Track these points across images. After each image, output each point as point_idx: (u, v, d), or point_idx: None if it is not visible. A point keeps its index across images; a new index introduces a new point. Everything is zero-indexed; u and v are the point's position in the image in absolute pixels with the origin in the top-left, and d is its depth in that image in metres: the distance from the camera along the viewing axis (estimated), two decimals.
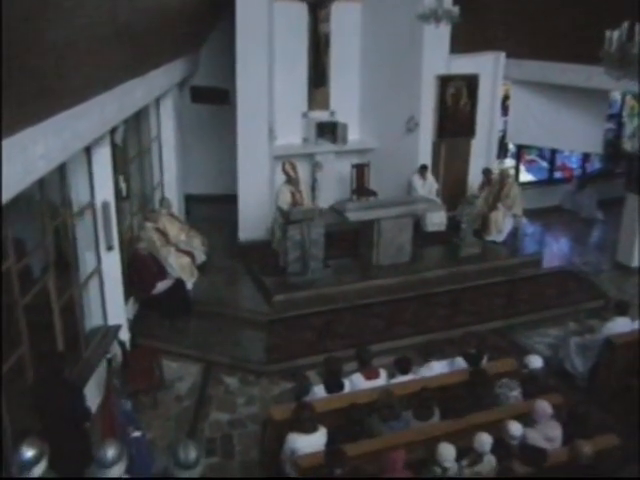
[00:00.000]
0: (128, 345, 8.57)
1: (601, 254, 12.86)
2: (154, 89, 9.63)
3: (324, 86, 12.67)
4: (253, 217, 11.71)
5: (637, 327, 8.49)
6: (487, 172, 12.60)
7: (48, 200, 6.95)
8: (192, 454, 4.87)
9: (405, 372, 7.25)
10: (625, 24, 6.91)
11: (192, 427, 7.83)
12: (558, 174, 15.83)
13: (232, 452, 7.47)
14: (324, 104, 12.75)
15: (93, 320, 8.37)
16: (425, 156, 12.37)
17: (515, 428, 6.07)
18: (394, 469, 5.63)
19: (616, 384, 8.17)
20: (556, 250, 13.10)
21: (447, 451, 5.78)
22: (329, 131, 12.66)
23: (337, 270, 10.78)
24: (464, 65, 12.24)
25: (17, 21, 4.04)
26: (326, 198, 12.16)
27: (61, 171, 7.18)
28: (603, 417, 7.62)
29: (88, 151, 7.71)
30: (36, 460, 4.67)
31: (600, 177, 15.55)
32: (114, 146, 8.42)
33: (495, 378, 7.10)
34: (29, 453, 4.67)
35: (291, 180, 10.85)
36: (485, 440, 5.86)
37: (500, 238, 12.15)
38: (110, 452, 4.83)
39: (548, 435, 6.25)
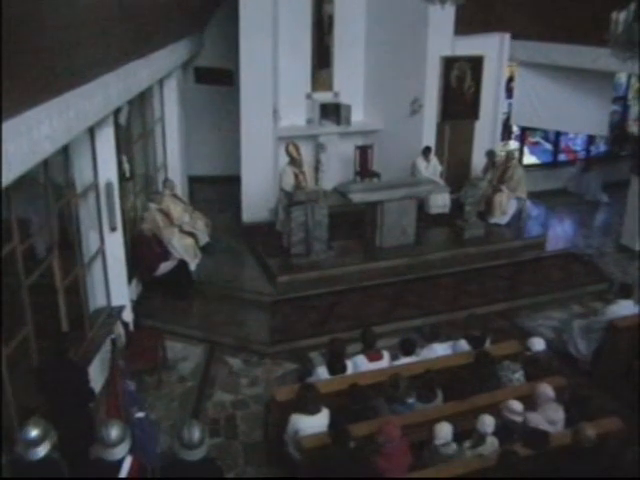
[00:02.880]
0: (131, 326, 8.61)
1: (605, 237, 12.86)
2: (158, 70, 9.58)
3: (328, 67, 12.58)
4: (257, 198, 11.69)
5: None
6: (491, 154, 12.54)
7: (52, 181, 6.93)
8: (197, 434, 4.90)
9: (409, 354, 7.28)
10: (632, 5, 6.84)
11: (196, 408, 7.88)
12: (562, 156, 15.78)
13: (235, 433, 7.51)
14: (328, 85, 12.67)
15: (97, 301, 8.39)
16: (429, 138, 12.30)
17: (515, 404, 6.10)
18: (392, 438, 5.69)
19: (619, 367, 8.18)
20: (560, 233, 13.09)
21: (441, 428, 5.84)
22: (333, 112, 12.58)
23: (341, 252, 10.78)
24: (469, 46, 12.12)
25: (22, 2, 4.01)
26: (329, 179, 12.13)
27: (65, 152, 7.16)
28: (606, 400, 7.66)
29: (92, 132, 7.68)
30: (41, 440, 4.70)
31: (605, 160, 15.49)
32: (118, 127, 8.40)
33: (498, 360, 7.12)
34: (34, 433, 4.70)
35: (295, 161, 10.82)
36: (488, 422, 5.90)
37: (504, 220, 12.12)
38: (114, 432, 4.86)
39: (550, 418, 6.28)
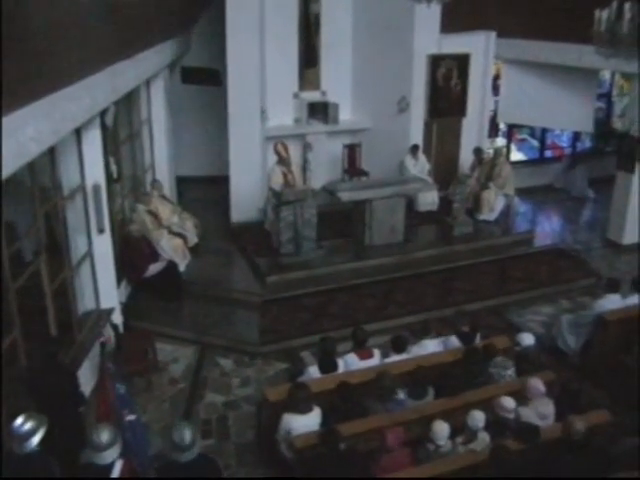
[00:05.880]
0: (121, 328, 8.57)
1: (592, 232, 12.94)
2: (145, 70, 9.55)
3: (315, 66, 12.57)
4: (245, 198, 11.69)
5: (627, 304, 8.55)
6: (478, 151, 12.59)
7: (38, 183, 6.89)
8: (187, 435, 4.88)
9: (400, 351, 7.29)
10: (614, 3, 6.90)
11: (187, 409, 7.85)
12: (549, 153, 15.88)
13: (227, 434, 7.49)
14: (315, 84, 12.66)
15: (86, 304, 8.34)
16: (417, 136, 12.34)
17: (508, 401, 6.13)
18: (391, 448, 5.68)
19: (608, 360, 8.24)
20: (548, 228, 13.17)
21: (441, 428, 5.84)
22: (320, 111, 12.58)
23: (330, 251, 10.79)
24: (455, 44, 12.16)
25: (6, 2, 3.99)
26: (318, 179, 12.12)
27: (51, 154, 7.12)
28: (595, 393, 7.71)
29: (78, 133, 7.64)
30: (33, 432, 4.69)
31: (591, 156, 15.57)
32: (104, 128, 8.36)
33: (489, 357, 7.13)
34: (26, 426, 4.69)
35: (283, 161, 10.81)
36: (478, 417, 5.92)
37: (492, 217, 12.17)
38: (104, 436, 4.82)
39: (541, 412, 6.31)
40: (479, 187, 12.17)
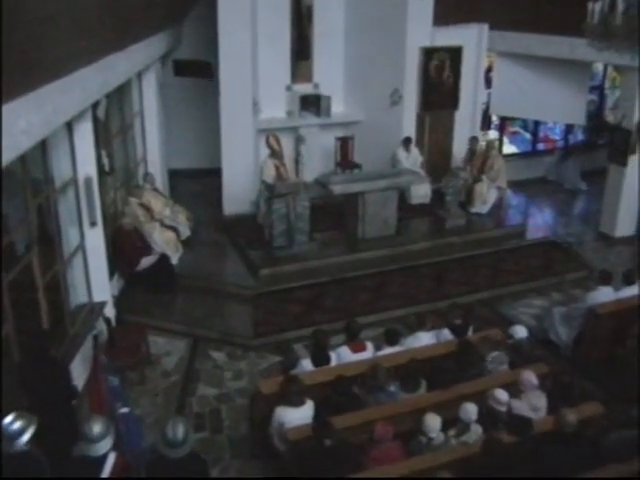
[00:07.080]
0: (114, 321, 8.55)
1: (584, 225, 12.98)
2: (137, 63, 9.51)
3: (307, 58, 12.53)
4: (238, 191, 11.66)
5: (619, 297, 8.59)
6: (474, 140, 12.53)
7: (30, 176, 6.86)
8: (181, 431, 4.86)
9: (393, 344, 7.30)
10: None
11: (180, 402, 7.85)
12: (541, 145, 15.91)
13: (220, 427, 7.50)
14: (308, 77, 12.62)
15: (78, 297, 8.32)
16: (409, 128, 12.32)
17: (501, 394, 6.15)
18: (380, 440, 5.70)
19: (600, 353, 8.28)
20: (540, 221, 13.20)
21: (433, 421, 5.86)
22: (313, 104, 12.54)
23: (323, 243, 10.78)
24: (448, 37, 12.13)
25: None
26: (310, 171, 12.10)
27: (43, 146, 7.08)
28: (587, 385, 7.74)
29: (70, 126, 7.60)
30: (23, 431, 4.66)
31: (583, 148, 15.62)
32: (96, 121, 8.32)
33: (482, 345, 7.15)
34: (15, 424, 4.66)
35: (275, 153, 10.80)
36: (470, 410, 5.94)
37: (485, 210, 12.17)
38: (96, 427, 4.81)
39: (534, 405, 6.34)
40: (472, 180, 12.17)
